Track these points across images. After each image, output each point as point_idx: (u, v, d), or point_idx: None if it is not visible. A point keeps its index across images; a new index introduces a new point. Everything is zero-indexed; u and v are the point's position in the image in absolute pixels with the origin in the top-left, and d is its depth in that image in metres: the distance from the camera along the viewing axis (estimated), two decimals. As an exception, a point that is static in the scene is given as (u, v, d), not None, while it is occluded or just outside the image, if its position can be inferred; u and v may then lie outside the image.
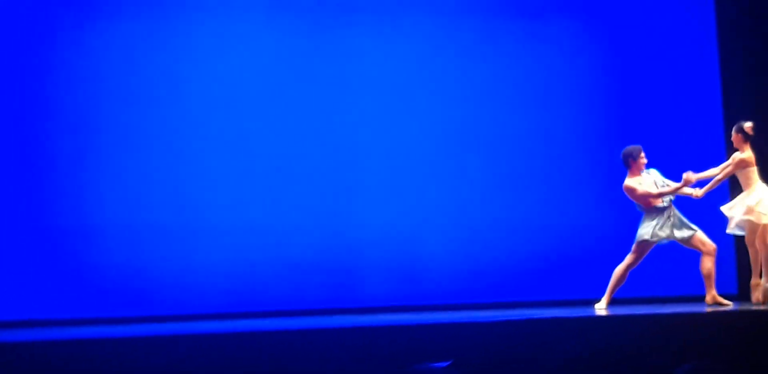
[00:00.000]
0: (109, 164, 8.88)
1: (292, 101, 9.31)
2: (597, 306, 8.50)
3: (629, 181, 8.47)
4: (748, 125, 8.37)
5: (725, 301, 8.33)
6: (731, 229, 8.36)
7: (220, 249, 9.02)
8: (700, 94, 10.02)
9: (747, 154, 8.31)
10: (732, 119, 9.67)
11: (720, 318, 7.53)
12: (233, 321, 8.19)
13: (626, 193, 8.47)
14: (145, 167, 8.95)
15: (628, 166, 8.50)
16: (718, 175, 8.39)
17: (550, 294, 9.47)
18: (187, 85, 9.09)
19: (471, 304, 9.25)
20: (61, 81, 8.85)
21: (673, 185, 8.38)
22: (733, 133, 8.41)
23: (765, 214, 8.19)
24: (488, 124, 9.64)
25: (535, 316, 7.28)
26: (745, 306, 8.25)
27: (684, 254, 8.76)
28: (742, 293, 9.19)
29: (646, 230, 8.36)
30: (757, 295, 8.37)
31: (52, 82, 8.83)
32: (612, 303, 8.54)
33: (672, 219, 8.38)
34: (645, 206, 8.42)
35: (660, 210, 8.38)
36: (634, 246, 8.44)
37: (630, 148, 8.53)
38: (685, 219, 8.40)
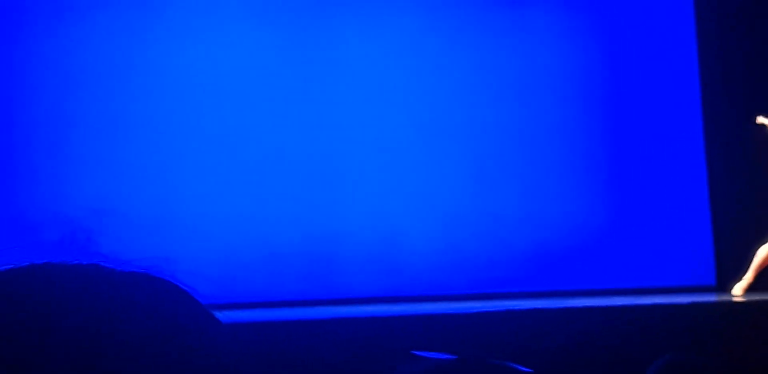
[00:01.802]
0: (89, 154, 8.85)
1: (273, 92, 9.29)
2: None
3: None
4: None
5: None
6: None
7: (198, 239, 9.00)
8: (680, 88, 10.02)
9: None
10: (711, 115, 9.69)
11: (699, 309, 7.55)
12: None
13: None
14: (126, 157, 8.92)
15: None
16: None
17: (533, 285, 9.47)
18: (173, 76, 9.06)
19: (453, 295, 9.24)
20: (46, 71, 8.81)
21: None
22: None
23: None
24: (474, 114, 9.63)
25: (517, 307, 7.29)
26: (723, 298, 8.29)
27: (664, 243, 8.76)
28: (720, 284, 9.22)
29: None
30: None
31: (48, 72, 8.79)
32: (596, 294, 8.52)
33: None
34: None
35: None
36: None
37: None
38: None
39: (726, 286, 8.65)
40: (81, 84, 8.90)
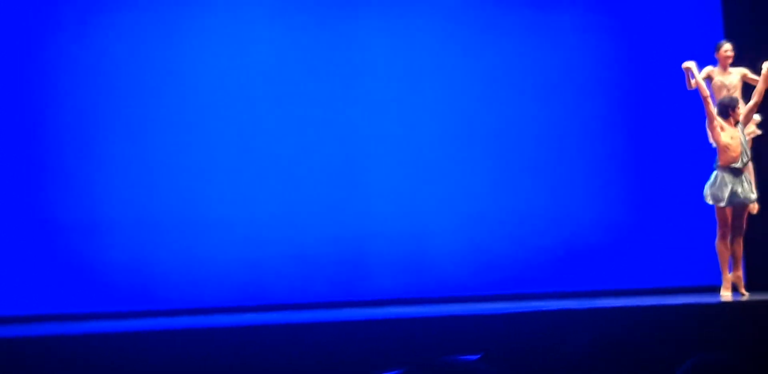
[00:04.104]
0: (116, 158, 8.88)
1: (296, 94, 9.30)
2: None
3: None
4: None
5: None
6: None
7: (227, 242, 9.02)
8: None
9: None
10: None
11: (728, 308, 7.52)
12: (241, 315, 8.19)
13: None
14: (151, 161, 8.94)
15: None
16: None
17: (559, 286, 9.46)
18: (192, 79, 9.08)
19: (480, 296, 9.24)
20: (67, 75, 8.84)
21: None
22: None
23: None
24: (497, 115, 9.63)
25: (544, 308, 7.27)
26: (753, 297, 8.24)
27: (691, 243, 8.72)
28: (750, 283, 9.18)
29: None
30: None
31: (57, 77, 8.83)
32: (622, 294, 8.50)
33: None
34: None
35: None
36: None
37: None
38: None
39: (755, 285, 8.60)
40: (107, 90, 8.93)
